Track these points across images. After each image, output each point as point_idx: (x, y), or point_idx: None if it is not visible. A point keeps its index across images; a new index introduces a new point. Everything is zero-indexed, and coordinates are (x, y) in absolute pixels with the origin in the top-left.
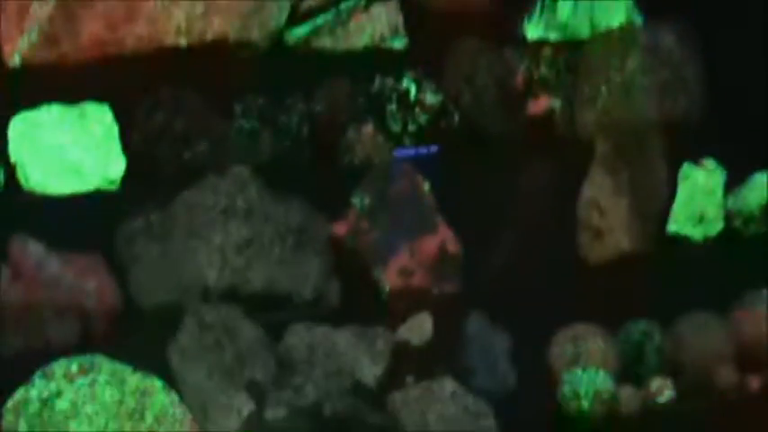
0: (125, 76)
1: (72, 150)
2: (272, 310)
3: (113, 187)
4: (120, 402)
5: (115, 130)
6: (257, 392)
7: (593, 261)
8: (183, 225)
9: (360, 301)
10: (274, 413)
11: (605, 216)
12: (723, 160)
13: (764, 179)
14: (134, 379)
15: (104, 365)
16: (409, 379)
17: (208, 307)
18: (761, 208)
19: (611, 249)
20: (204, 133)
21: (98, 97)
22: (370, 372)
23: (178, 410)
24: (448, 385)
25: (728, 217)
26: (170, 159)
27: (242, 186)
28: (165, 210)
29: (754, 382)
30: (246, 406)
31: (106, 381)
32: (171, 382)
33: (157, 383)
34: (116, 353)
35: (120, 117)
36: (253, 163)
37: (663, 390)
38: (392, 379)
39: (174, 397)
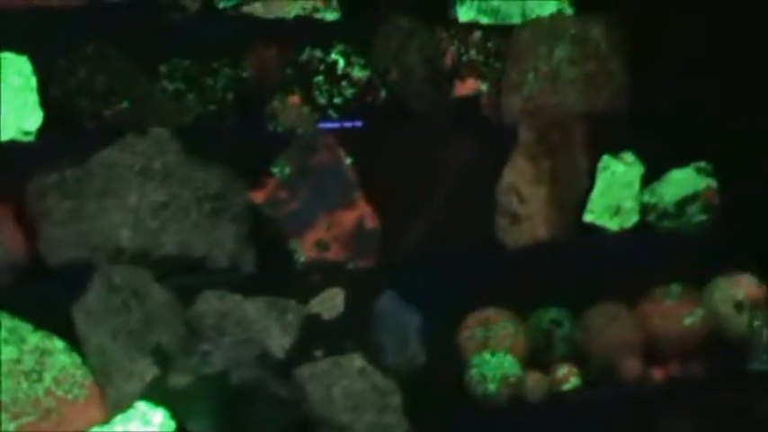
0: (49, 28)
1: None
2: (184, 275)
3: (28, 139)
4: (18, 361)
5: (34, 81)
6: (162, 358)
7: (509, 246)
8: (99, 183)
9: (274, 271)
10: (179, 380)
11: (524, 202)
12: (642, 154)
13: (681, 175)
14: (34, 337)
15: (4, 321)
16: (318, 353)
17: (117, 267)
18: (675, 204)
19: (527, 235)
20: (127, 92)
21: (18, 47)
22: (279, 343)
23: (79, 372)
24: (356, 361)
25: (644, 210)
26: (90, 116)
27: (161, 148)
28: (80, 166)
29: (658, 374)
30: (150, 371)
31: (4, 338)
32: (74, 343)
33: (59, 343)
34: (18, 309)
35: (40, 69)
36: (175, 125)
37: (569, 377)
38: (301, 352)
39: (77, 358)
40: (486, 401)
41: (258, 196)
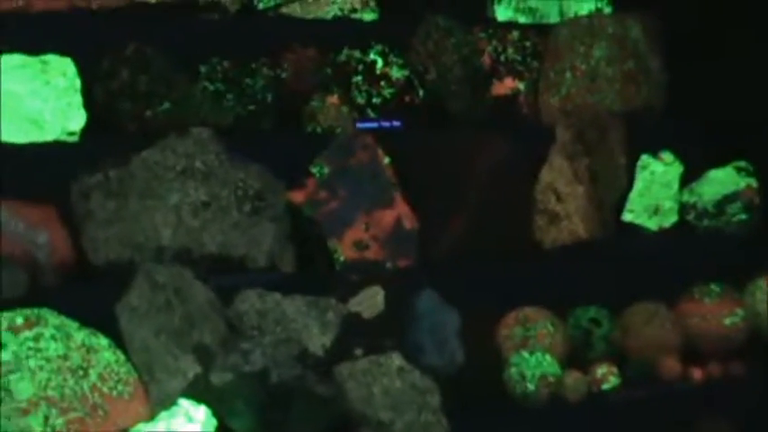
0: (91, 30)
1: (31, 100)
2: (224, 274)
3: (73, 140)
4: (65, 357)
5: (78, 83)
6: (204, 355)
7: (547, 245)
8: (141, 183)
9: (313, 271)
10: (220, 377)
11: (562, 201)
12: (681, 153)
13: (720, 175)
14: (80, 335)
15: (51, 319)
16: (357, 351)
17: (160, 267)
18: (714, 203)
19: (565, 234)
20: (167, 93)
21: (62, 49)
22: (319, 341)
23: (123, 369)
24: (396, 360)
25: (683, 210)
26: (132, 117)
27: (202, 148)
28: (123, 167)
29: (697, 374)
30: (192, 368)
31: (51, 335)
32: (118, 340)
33: (103, 341)
34: (64, 308)
35: (84, 71)
36: (215, 125)
37: (608, 376)
38: (340, 350)
39: (120, 355)
40: (524, 401)
41: (297, 196)
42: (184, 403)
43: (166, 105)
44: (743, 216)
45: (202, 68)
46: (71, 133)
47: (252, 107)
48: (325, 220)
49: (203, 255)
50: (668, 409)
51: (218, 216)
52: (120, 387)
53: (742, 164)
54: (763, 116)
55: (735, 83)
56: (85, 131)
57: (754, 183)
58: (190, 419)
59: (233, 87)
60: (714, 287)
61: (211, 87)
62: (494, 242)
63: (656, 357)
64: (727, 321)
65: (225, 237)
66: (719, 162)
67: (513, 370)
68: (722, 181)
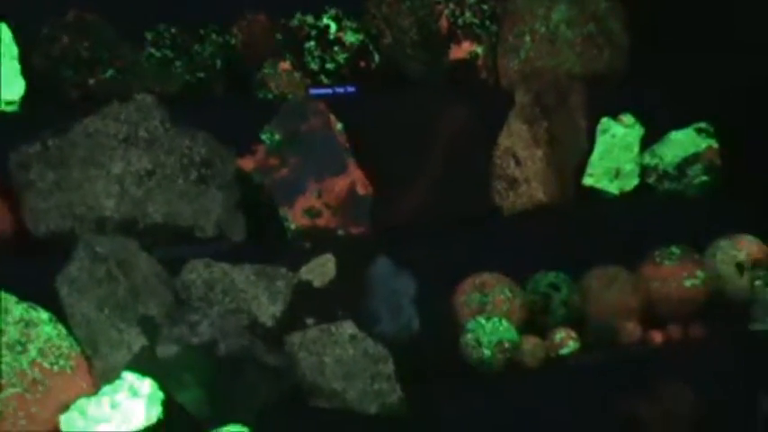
0: None
1: None
2: (171, 245)
3: (11, 109)
4: (2, 332)
5: (14, 50)
6: (150, 328)
7: (506, 210)
8: (82, 152)
9: (263, 240)
10: (166, 350)
11: (521, 166)
12: (642, 116)
13: (681, 136)
14: (18, 309)
15: None
16: (309, 320)
17: (101, 238)
18: (675, 165)
19: (524, 199)
20: (111, 60)
21: None
22: (269, 311)
23: (65, 344)
24: (348, 328)
25: (644, 173)
26: (73, 84)
27: (145, 115)
28: (63, 136)
29: (657, 337)
30: (138, 341)
31: None
32: (60, 314)
33: (44, 315)
34: (2, 281)
35: (22, 38)
36: (162, 93)
37: (567, 341)
38: (291, 320)
39: (62, 329)
40: (481, 367)
41: (247, 164)
42: (129, 377)
43: (110, 72)
44: (704, 178)
45: (148, 35)
46: (9, 102)
47: (201, 74)
48: (275, 188)
49: (148, 225)
50: (628, 373)
51: (164, 185)
52: (61, 362)
53: (702, 125)
54: (723, 76)
55: (696, 45)
56: (25, 100)
57: (714, 144)
58: (134, 393)
59: (181, 54)
60: (674, 249)
61: (158, 54)
62: (451, 208)
63: (616, 321)
64: (688, 284)
65: (171, 206)
66: (680, 124)
67: (469, 336)
68: (683, 143)
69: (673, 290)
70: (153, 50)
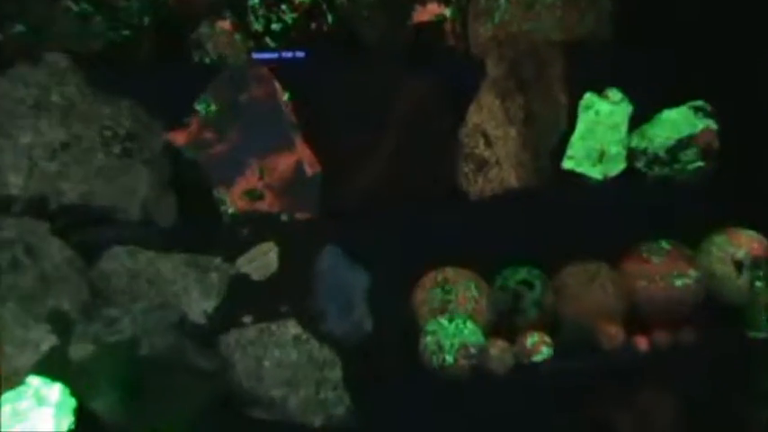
0: None
1: None
2: (88, 228)
3: None
4: None
5: None
6: (61, 324)
7: (473, 196)
8: None
9: (195, 225)
10: (80, 349)
11: (492, 146)
12: (630, 91)
13: (675, 116)
14: None
15: None
16: (246, 318)
17: (7, 219)
18: (667, 149)
19: (495, 184)
20: (21, 13)
21: None
22: (200, 307)
23: None
24: (291, 328)
25: (631, 156)
26: None
27: (60, 79)
28: None
29: (642, 343)
30: (47, 340)
31: None
32: None
33: None
34: None
35: None
36: (80, 53)
37: (539, 347)
38: (226, 317)
39: None
40: (442, 374)
41: (178, 137)
42: (35, 382)
43: (19, 28)
44: (699, 163)
45: None
46: None
47: (126, 32)
48: (211, 166)
49: (61, 205)
50: (608, 384)
51: (80, 159)
52: None
53: (699, 103)
54: (723, 49)
55: (691, 9)
56: None
57: (713, 125)
58: (40, 401)
59: (102, 9)
60: (664, 244)
61: (75, 8)
62: (411, 192)
63: (596, 324)
64: (678, 283)
65: (88, 184)
66: (673, 101)
67: (429, 339)
68: (676, 123)
69: (661, 290)
70: (70, 3)
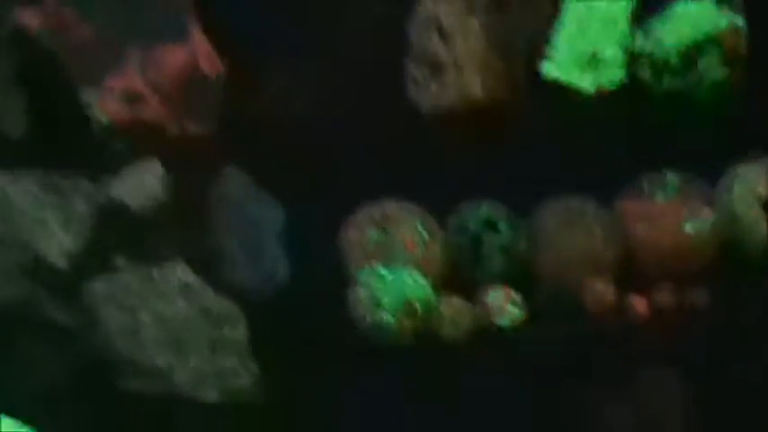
0: None
1: None
2: None
3: None
4: None
5: None
6: None
7: (425, 109)
8: None
9: (54, 136)
10: None
11: (449, 42)
12: None
13: (691, 10)
14: None
15: None
16: (119, 260)
17: None
18: (681, 52)
19: (453, 94)
20: None
21: None
22: (60, 245)
23: None
24: (179, 273)
25: (633, 62)
26: None
27: None
28: None
29: (640, 305)
30: None
31: None
32: None
33: None
34: None
35: None
36: None
37: (506, 306)
38: (93, 258)
39: None
40: (379, 338)
41: (30, 18)
42: None
43: None
44: (721, 72)
45: None
46: None
47: None
48: (74, 57)
49: None
50: (595, 357)
51: None
52: None
53: None
54: None
55: None
56: None
57: (740, 23)
58: None
59: None
60: (671, 178)
61: None
62: (342, 102)
63: (580, 279)
64: (689, 228)
65: None
66: None
67: (363, 292)
68: (693, 19)
69: (666, 236)
70: None
